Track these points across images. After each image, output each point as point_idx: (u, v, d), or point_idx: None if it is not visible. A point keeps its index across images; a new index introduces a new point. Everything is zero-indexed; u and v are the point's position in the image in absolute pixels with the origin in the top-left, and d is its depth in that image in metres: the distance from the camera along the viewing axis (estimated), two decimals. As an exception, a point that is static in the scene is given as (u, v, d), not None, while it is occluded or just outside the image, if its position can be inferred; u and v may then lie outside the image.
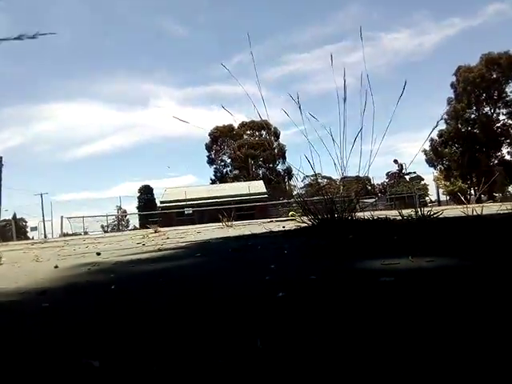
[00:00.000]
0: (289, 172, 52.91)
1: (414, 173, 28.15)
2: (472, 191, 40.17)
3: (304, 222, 3.85)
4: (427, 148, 43.04)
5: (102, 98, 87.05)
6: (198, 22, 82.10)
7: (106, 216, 35.40)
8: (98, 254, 3.76)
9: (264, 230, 4.78)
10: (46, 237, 25.55)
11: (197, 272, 2.13)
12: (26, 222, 41.80)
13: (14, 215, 34.97)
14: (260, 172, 58.69)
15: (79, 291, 1.84)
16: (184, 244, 4.35)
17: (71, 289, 1.94)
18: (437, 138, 42.68)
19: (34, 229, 35.07)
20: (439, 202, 29.84)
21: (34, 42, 1.23)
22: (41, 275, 2.47)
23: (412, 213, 3.43)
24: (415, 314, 0.95)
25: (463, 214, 3.67)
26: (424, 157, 43.36)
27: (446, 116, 40.32)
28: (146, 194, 52.21)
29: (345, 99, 3.54)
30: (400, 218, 3.33)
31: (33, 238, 28.59)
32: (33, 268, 3.07)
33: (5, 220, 32.78)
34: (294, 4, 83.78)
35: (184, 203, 36.49)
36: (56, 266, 2.88)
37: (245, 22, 76.52)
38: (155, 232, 9.02)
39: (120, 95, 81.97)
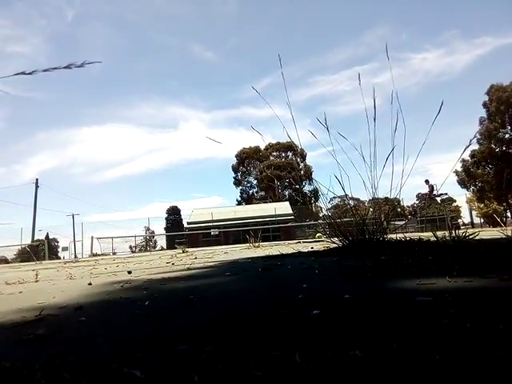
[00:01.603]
0: (315, 193, 52.55)
1: (446, 194, 27.32)
2: (508, 213, 38.56)
3: (333, 243, 3.80)
4: (459, 169, 41.90)
5: (133, 122, 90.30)
6: (227, 46, 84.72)
7: (135, 237, 35.96)
8: (129, 272, 3.83)
9: (292, 251, 4.75)
10: (76, 256, 26.21)
11: (228, 289, 2.14)
12: (57, 242, 43.04)
13: (47, 235, 36.12)
14: (286, 193, 58.61)
15: (114, 307, 1.88)
16: (212, 263, 4.37)
17: (106, 304, 1.98)
18: (469, 158, 41.54)
19: (65, 249, 35.93)
20: (473, 225, 28.75)
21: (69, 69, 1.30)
22: (76, 292, 2.54)
23: (446, 234, 3.33)
24: (457, 333, 0.92)
25: (501, 236, 3.54)
26: (456, 178, 42.19)
27: (478, 136, 39.33)
28: (173, 214, 52.99)
29: (375, 118, 3.54)
30: (434, 239, 3.24)
31: (64, 258, 29.36)
32: (68, 285, 3.15)
33: (38, 240, 33.94)
34: (322, 27, 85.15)
35: (210, 224, 36.75)
36: (90, 284, 2.95)
37: (271, 47, 78.45)
38: (183, 252, 9.12)
39: (151, 119, 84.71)
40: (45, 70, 1.24)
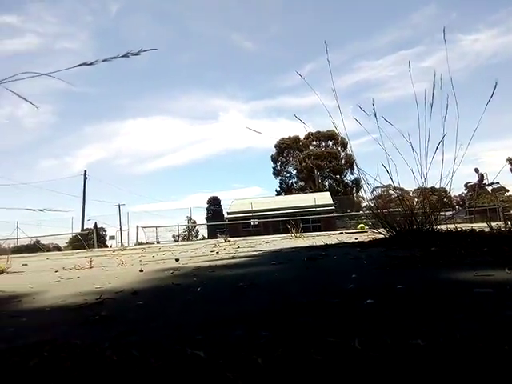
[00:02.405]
0: (357, 183, 51.42)
1: (497, 183, 25.89)
2: None
3: (380, 234, 3.73)
4: (512, 156, 39.41)
5: (175, 114, 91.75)
6: (266, 35, 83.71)
7: (178, 226, 37.01)
8: (177, 260, 3.96)
9: (336, 241, 4.70)
10: (122, 245, 27.37)
11: (275, 278, 2.16)
12: (105, 231, 45.01)
13: (95, 225, 37.79)
14: (326, 183, 57.83)
15: (167, 292, 1.96)
16: (256, 253, 4.43)
17: (159, 290, 2.07)
18: (523, 145, 38.97)
19: (112, 237, 37.56)
20: (527, 216, 27.06)
21: (115, 63, 1.34)
22: (129, 278, 2.67)
23: (501, 225, 3.18)
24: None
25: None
26: (509, 166, 39.74)
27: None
28: (214, 204, 53.88)
29: (431, 104, 3.41)
30: (487, 230, 3.10)
31: (111, 246, 30.75)
32: (120, 272, 3.31)
33: (87, 229, 35.73)
34: (366, 10, 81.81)
35: (250, 214, 37.07)
36: (141, 270, 3.08)
37: (312, 33, 76.81)
38: (225, 241, 9.28)
39: (192, 110, 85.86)
40: (104, 60, 1.30)
